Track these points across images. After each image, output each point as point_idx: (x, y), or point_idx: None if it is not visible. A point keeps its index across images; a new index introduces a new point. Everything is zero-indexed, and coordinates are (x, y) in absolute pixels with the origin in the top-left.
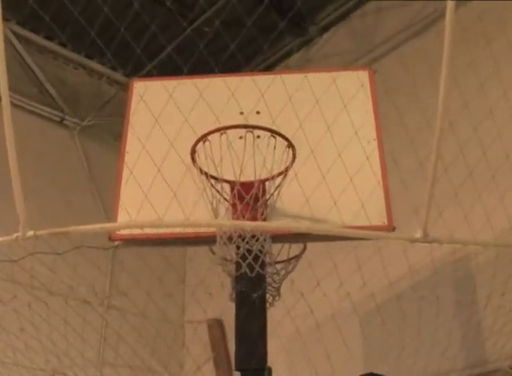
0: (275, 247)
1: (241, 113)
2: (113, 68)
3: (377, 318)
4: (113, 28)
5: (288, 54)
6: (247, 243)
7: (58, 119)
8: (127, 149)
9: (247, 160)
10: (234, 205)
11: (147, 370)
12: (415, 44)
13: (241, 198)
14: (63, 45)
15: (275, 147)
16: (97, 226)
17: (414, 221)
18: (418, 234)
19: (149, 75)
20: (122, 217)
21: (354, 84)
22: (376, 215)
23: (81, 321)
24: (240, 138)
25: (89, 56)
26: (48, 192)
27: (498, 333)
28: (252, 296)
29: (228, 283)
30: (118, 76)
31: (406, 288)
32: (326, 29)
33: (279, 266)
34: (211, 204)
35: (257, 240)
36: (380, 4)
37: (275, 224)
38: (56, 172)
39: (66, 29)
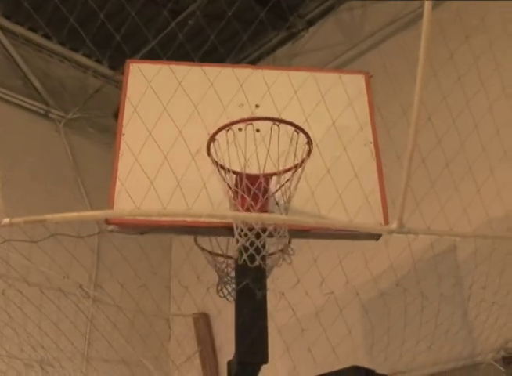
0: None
1: (241, 105)
2: (99, 61)
3: (361, 312)
4: (98, 21)
5: (274, 48)
6: (268, 236)
7: (43, 112)
8: (123, 131)
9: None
10: (242, 197)
11: (132, 364)
12: (399, 38)
13: (248, 190)
14: (48, 37)
15: (296, 142)
16: (74, 215)
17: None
18: (394, 225)
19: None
20: (118, 201)
21: (351, 88)
22: (373, 216)
23: (59, 312)
24: (240, 130)
25: (74, 49)
26: (32, 184)
27: (481, 326)
28: (254, 290)
29: (210, 276)
30: (103, 69)
31: (390, 283)
32: (312, 23)
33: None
34: (229, 195)
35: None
36: None
37: (274, 217)
38: (41, 165)
39: (51, 21)
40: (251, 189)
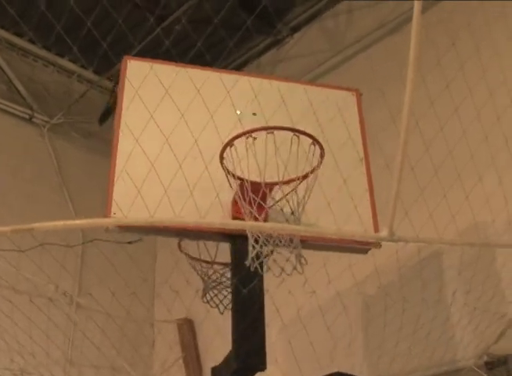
0: None
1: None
2: (84, 66)
3: (342, 316)
4: (84, 26)
5: (259, 54)
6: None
7: (27, 117)
8: (121, 128)
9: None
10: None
11: (115, 370)
12: (385, 44)
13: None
14: (33, 42)
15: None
16: (61, 223)
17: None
18: (384, 233)
19: (118, 73)
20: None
21: (342, 104)
22: (362, 225)
23: (46, 319)
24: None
25: (60, 54)
26: (15, 189)
27: (463, 331)
28: (253, 295)
29: (194, 282)
30: (88, 74)
31: (372, 287)
32: (297, 29)
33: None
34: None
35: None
36: (352, 4)
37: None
38: (25, 170)
39: (37, 26)
40: (255, 198)
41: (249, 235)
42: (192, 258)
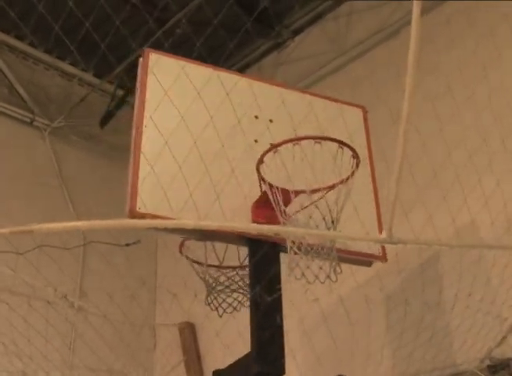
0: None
1: (256, 117)
2: (84, 69)
3: (345, 319)
4: (84, 29)
5: (260, 57)
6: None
7: (28, 120)
8: (144, 123)
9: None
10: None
11: (114, 373)
12: (386, 46)
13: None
14: (34, 45)
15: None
16: (61, 225)
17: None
18: (383, 235)
19: (119, 76)
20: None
21: (351, 120)
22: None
23: (45, 322)
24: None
25: (60, 57)
26: (16, 192)
27: (465, 334)
28: (270, 301)
29: (196, 286)
30: (89, 77)
31: (374, 290)
32: (298, 32)
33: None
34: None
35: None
36: (352, 7)
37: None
38: (26, 174)
39: (38, 30)
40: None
41: (289, 243)
42: (194, 262)
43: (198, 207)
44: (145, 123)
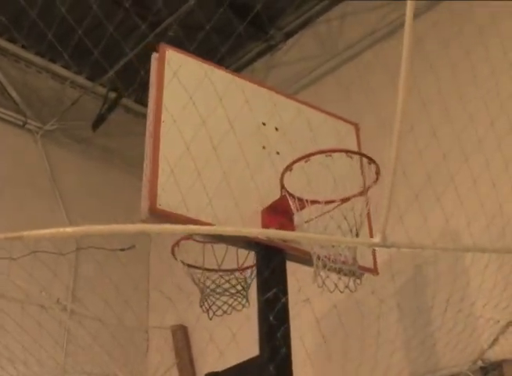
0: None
1: (263, 123)
2: (77, 72)
3: (337, 323)
4: (76, 32)
5: (253, 59)
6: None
7: (20, 123)
8: (163, 117)
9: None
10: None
11: None
12: (378, 50)
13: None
14: (26, 48)
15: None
16: (53, 231)
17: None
18: (377, 239)
19: (111, 79)
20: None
21: (342, 134)
22: None
23: (38, 327)
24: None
25: (52, 60)
26: (8, 196)
27: (457, 337)
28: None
29: (187, 289)
30: (81, 80)
31: (367, 294)
32: (290, 35)
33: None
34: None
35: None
36: (344, 10)
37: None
38: (18, 177)
39: (30, 33)
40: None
41: (314, 260)
42: (190, 266)
43: (214, 208)
44: (163, 118)
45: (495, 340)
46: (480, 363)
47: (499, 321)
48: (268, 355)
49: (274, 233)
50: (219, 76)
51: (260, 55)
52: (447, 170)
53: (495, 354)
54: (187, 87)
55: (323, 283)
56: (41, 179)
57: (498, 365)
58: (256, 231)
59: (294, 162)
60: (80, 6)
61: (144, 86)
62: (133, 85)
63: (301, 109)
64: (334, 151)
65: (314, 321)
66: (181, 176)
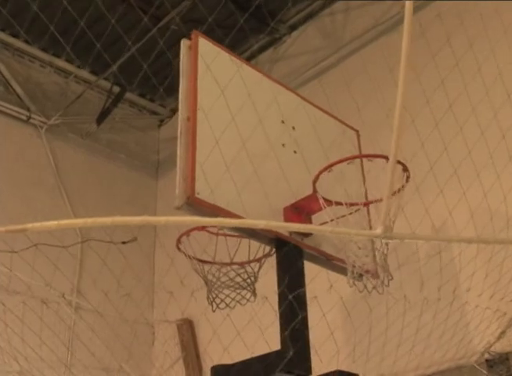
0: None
1: (282, 121)
2: (81, 66)
3: (344, 315)
4: (79, 27)
5: (257, 53)
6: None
7: (24, 118)
8: (198, 106)
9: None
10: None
11: (112, 372)
12: (382, 42)
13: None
14: (29, 42)
15: None
16: (55, 223)
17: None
18: (378, 231)
19: (115, 73)
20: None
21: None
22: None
23: (40, 322)
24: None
25: (56, 54)
26: (12, 190)
27: (464, 329)
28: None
29: (194, 283)
30: (85, 74)
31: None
32: (294, 28)
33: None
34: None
35: None
36: (349, 3)
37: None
38: (22, 172)
39: (33, 27)
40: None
41: (349, 269)
42: (195, 259)
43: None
44: (198, 106)
45: (503, 332)
46: (486, 355)
47: (505, 313)
48: (290, 345)
49: (298, 227)
50: (248, 72)
51: (264, 48)
52: (449, 162)
53: (501, 347)
54: (219, 80)
55: (353, 283)
56: (45, 174)
57: (505, 358)
58: (281, 225)
59: (332, 164)
60: (82, 0)
61: (148, 80)
62: (137, 79)
63: (310, 111)
64: (368, 156)
65: (321, 315)
66: (212, 169)
